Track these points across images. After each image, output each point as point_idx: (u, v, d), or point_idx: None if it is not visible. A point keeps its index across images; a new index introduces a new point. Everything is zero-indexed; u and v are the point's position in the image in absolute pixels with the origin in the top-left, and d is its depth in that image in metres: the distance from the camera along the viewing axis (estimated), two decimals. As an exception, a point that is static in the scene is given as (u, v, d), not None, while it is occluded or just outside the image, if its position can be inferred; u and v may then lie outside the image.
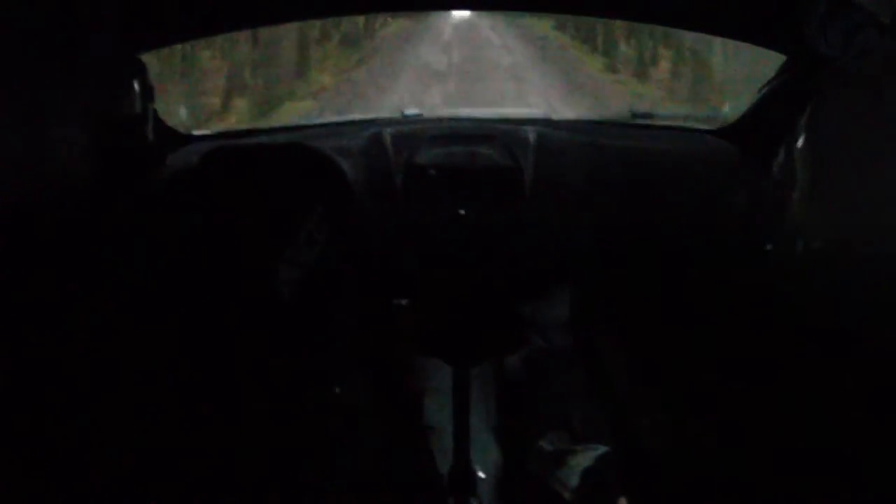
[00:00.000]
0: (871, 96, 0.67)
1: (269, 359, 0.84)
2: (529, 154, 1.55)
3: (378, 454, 0.99)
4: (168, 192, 0.93)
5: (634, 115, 1.92)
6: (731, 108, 1.79)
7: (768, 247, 0.81)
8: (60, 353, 0.76)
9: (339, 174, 1.11)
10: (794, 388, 0.74)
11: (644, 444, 1.02)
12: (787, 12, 1.31)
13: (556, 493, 1.03)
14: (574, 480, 1.01)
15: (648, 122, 1.84)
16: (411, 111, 1.78)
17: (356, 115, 1.93)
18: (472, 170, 1.54)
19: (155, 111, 1.48)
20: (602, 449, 1.04)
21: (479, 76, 8.37)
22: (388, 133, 1.60)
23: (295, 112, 7.28)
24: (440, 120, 1.75)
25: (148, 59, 1.44)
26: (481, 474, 1.09)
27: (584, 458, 1.04)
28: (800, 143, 0.73)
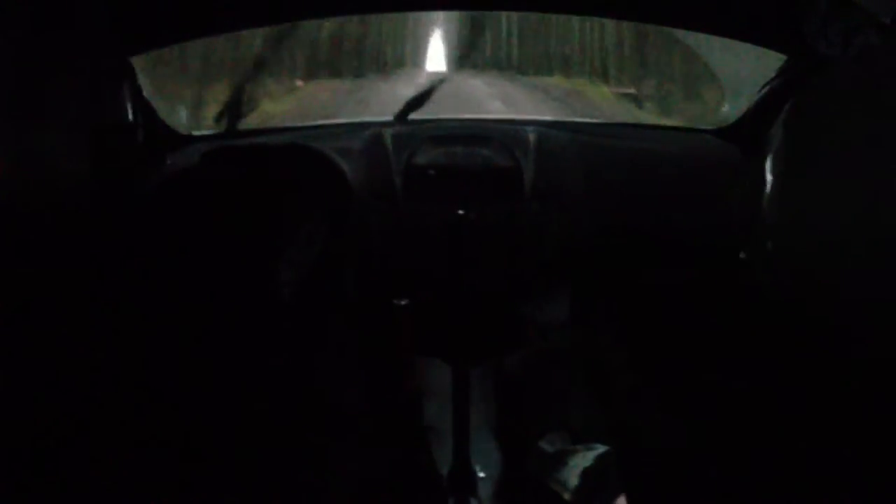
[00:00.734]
0: (871, 96, 0.67)
1: (268, 359, 0.84)
2: (529, 154, 1.55)
3: (378, 454, 0.99)
4: (168, 192, 0.93)
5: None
6: (730, 108, 1.79)
7: (768, 246, 0.81)
8: (61, 353, 0.76)
9: (339, 174, 1.11)
10: (793, 387, 0.74)
11: (644, 444, 1.02)
12: (787, 12, 1.31)
13: (555, 493, 1.03)
14: (574, 481, 1.01)
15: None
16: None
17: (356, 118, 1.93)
18: (472, 170, 1.54)
19: (155, 111, 1.48)
20: (602, 449, 1.04)
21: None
22: (388, 133, 1.60)
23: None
24: (440, 120, 1.75)
25: (148, 59, 1.44)
26: (481, 474, 1.09)
27: (584, 459, 1.04)
28: (799, 142, 0.73)
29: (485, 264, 1.45)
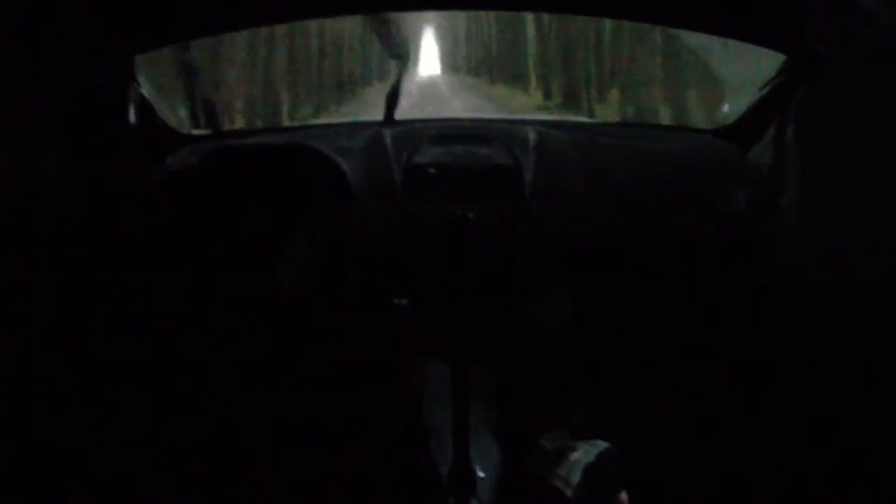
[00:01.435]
0: (871, 95, 0.67)
1: (268, 358, 0.84)
2: (529, 154, 1.55)
3: (378, 454, 0.99)
4: (168, 192, 0.93)
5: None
6: (730, 108, 1.79)
7: (768, 247, 0.81)
8: (60, 352, 0.76)
9: (339, 174, 1.11)
10: (794, 386, 0.74)
11: (645, 441, 1.02)
12: (787, 12, 1.31)
13: (557, 490, 1.03)
14: (576, 477, 1.01)
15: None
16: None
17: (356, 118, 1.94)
18: (472, 170, 1.54)
19: (155, 111, 1.48)
20: (603, 445, 1.04)
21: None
22: (388, 133, 1.60)
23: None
24: (440, 120, 1.75)
25: (147, 58, 1.44)
26: (481, 474, 1.09)
27: (586, 455, 1.04)
28: (799, 142, 0.74)
29: (485, 264, 1.45)
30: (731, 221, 1.35)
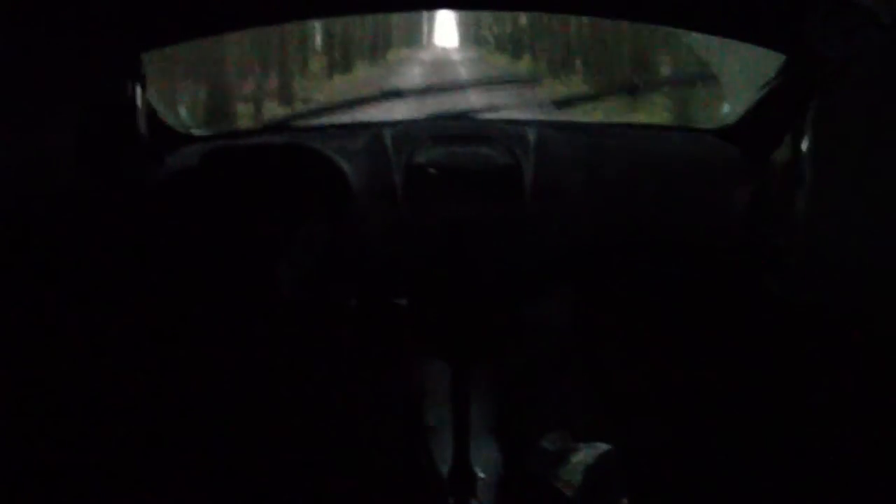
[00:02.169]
0: (872, 96, 0.67)
1: (268, 359, 0.84)
2: (529, 154, 1.55)
3: (378, 454, 0.99)
4: (168, 192, 0.93)
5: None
6: (730, 108, 1.79)
7: (768, 247, 0.81)
8: (60, 353, 0.76)
9: (339, 174, 1.11)
10: (795, 387, 0.74)
11: (645, 442, 1.02)
12: (787, 12, 1.31)
13: (557, 492, 1.03)
14: (576, 478, 1.01)
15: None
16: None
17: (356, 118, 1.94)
18: (472, 170, 1.54)
19: (155, 111, 1.48)
20: (604, 447, 1.04)
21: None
22: (388, 133, 1.60)
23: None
24: (440, 120, 1.75)
25: (148, 58, 1.44)
26: (481, 474, 1.09)
27: (586, 456, 1.04)
28: (799, 142, 0.73)
29: (485, 264, 1.45)
30: (731, 222, 1.35)
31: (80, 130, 0.87)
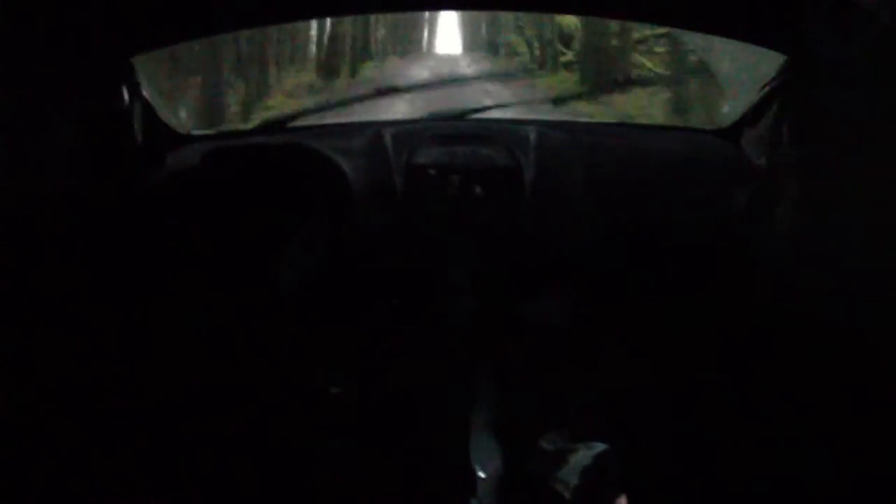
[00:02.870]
0: (871, 96, 0.67)
1: (268, 359, 0.84)
2: (529, 154, 1.55)
3: (378, 454, 0.99)
4: (168, 192, 0.93)
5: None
6: (730, 108, 1.79)
7: (766, 245, 0.81)
8: (60, 353, 0.76)
9: (339, 174, 1.11)
10: (793, 386, 0.74)
11: (644, 442, 1.02)
12: (787, 12, 1.31)
13: (556, 492, 1.03)
14: (574, 479, 1.01)
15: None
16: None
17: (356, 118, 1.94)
18: (472, 170, 1.54)
19: (155, 111, 1.48)
20: (602, 447, 1.04)
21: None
22: (388, 133, 1.60)
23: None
24: (440, 120, 1.76)
25: (147, 59, 1.44)
26: (481, 474, 1.09)
27: (585, 457, 1.04)
28: (798, 142, 0.73)
29: (484, 264, 1.45)
30: (730, 222, 1.35)
31: (75, 133, 0.87)
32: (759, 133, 1.52)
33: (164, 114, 1.56)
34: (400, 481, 1.01)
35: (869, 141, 0.65)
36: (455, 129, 1.65)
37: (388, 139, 1.58)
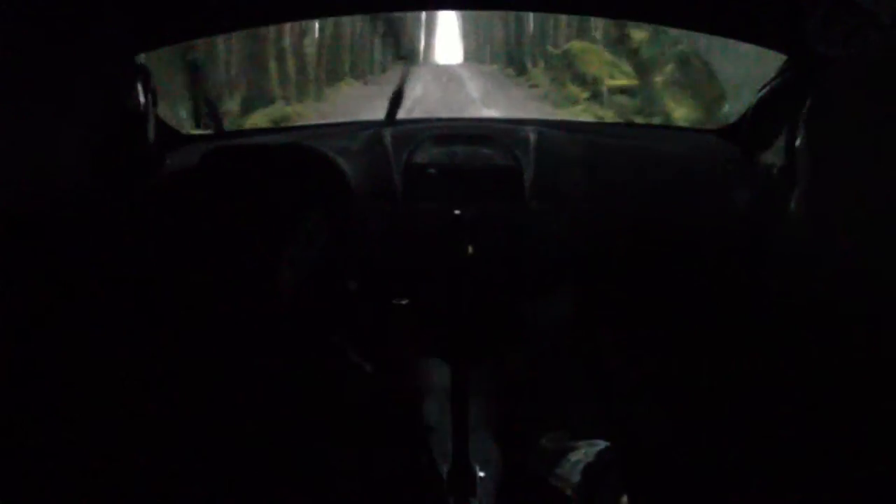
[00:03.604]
0: (872, 96, 0.67)
1: (268, 359, 0.84)
2: (529, 154, 1.55)
3: (378, 454, 0.99)
4: (168, 192, 0.93)
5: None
6: (730, 108, 1.79)
7: (768, 246, 0.81)
8: (60, 353, 0.76)
9: (339, 174, 1.11)
10: (795, 386, 0.74)
11: (645, 441, 1.02)
12: (787, 12, 1.31)
13: (557, 490, 1.03)
14: (576, 477, 1.01)
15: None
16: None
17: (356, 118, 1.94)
18: (472, 170, 1.54)
19: (155, 111, 1.48)
20: (603, 445, 1.04)
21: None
22: (388, 133, 1.60)
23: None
24: (440, 120, 1.76)
25: (148, 58, 1.44)
26: (481, 474, 1.09)
27: (586, 455, 1.04)
28: (799, 142, 0.73)
29: (485, 264, 1.45)
30: (731, 222, 1.35)
31: (89, 133, 0.87)
32: (759, 133, 1.53)
33: (164, 113, 1.56)
34: (400, 481, 1.01)
35: (869, 141, 0.65)
36: (455, 129, 1.65)
37: (388, 139, 1.58)
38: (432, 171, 1.53)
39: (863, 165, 0.66)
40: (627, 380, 1.19)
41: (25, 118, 0.80)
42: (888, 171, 0.64)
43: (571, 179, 1.55)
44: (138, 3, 1.18)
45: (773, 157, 1.23)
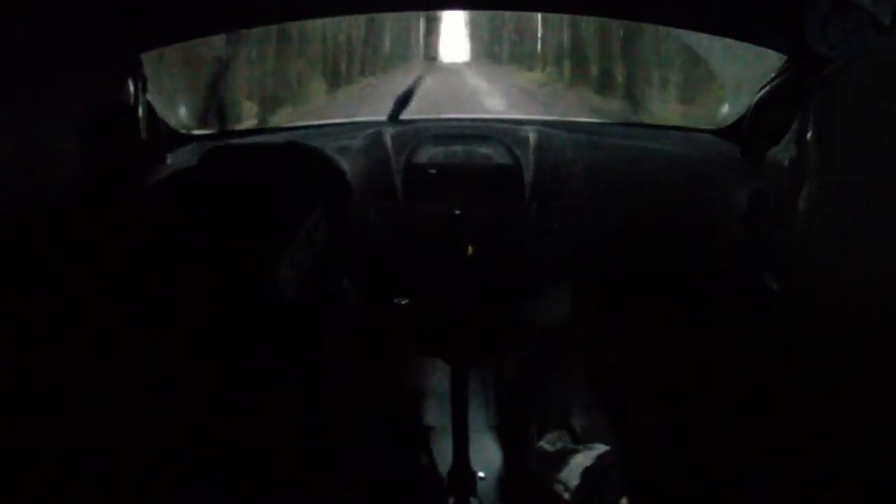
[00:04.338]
0: (872, 96, 0.67)
1: (268, 358, 0.84)
2: (529, 154, 1.55)
3: (378, 454, 0.99)
4: (168, 192, 0.93)
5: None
6: (730, 108, 1.79)
7: (768, 246, 0.81)
8: (60, 351, 0.76)
9: (339, 174, 1.11)
10: (794, 387, 0.74)
11: (644, 443, 1.02)
12: (787, 12, 1.31)
13: (556, 493, 1.03)
14: (574, 480, 1.01)
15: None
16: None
17: (356, 117, 1.93)
18: (472, 169, 1.54)
19: (155, 111, 1.48)
20: (602, 448, 1.04)
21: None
22: (388, 133, 1.60)
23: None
24: (440, 120, 1.76)
25: (147, 58, 1.44)
26: (481, 474, 1.09)
27: (585, 458, 1.04)
28: (800, 143, 0.73)
29: (485, 264, 1.45)
30: (731, 222, 1.35)
31: (79, 129, 0.87)
32: (759, 133, 1.52)
33: (164, 114, 1.56)
34: (400, 481, 1.01)
35: (870, 142, 0.65)
36: (455, 128, 1.65)
37: (388, 139, 1.58)
38: (432, 170, 1.53)
39: (863, 166, 0.66)
40: (627, 381, 1.19)
41: (18, 116, 0.80)
42: (888, 172, 0.64)
43: (571, 179, 1.55)
44: (140, 2, 1.18)
45: (772, 156, 1.23)
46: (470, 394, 1.05)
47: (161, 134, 1.52)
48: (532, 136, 1.58)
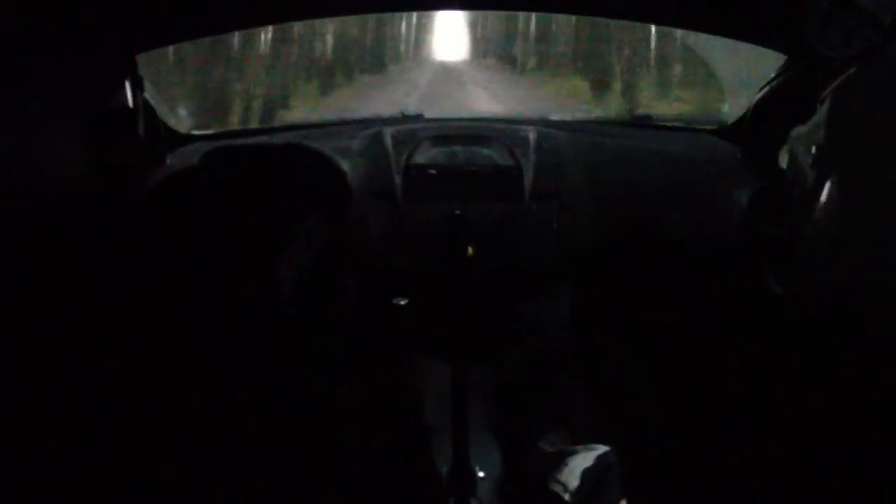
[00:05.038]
0: (872, 96, 0.67)
1: (268, 358, 0.84)
2: (529, 154, 1.55)
3: (378, 454, 0.99)
4: (168, 192, 0.93)
5: (634, 118, 1.94)
6: (730, 108, 1.79)
7: (768, 246, 0.81)
8: (60, 351, 0.76)
9: (339, 174, 1.11)
10: (794, 387, 0.74)
11: (644, 444, 1.02)
12: (787, 12, 1.31)
13: (555, 493, 1.03)
14: (574, 481, 1.01)
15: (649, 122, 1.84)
16: (411, 112, 1.79)
17: (356, 115, 1.93)
18: (472, 170, 1.54)
19: (155, 111, 1.48)
20: (602, 449, 1.04)
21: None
22: (388, 133, 1.60)
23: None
24: (440, 120, 1.75)
25: (147, 58, 1.44)
26: (481, 474, 1.09)
27: (585, 459, 1.04)
28: (800, 142, 0.73)
29: (484, 264, 1.45)
30: (731, 222, 1.35)
31: (79, 130, 0.87)
32: (759, 133, 1.53)
33: (165, 114, 1.56)
34: (400, 481, 1.01)
35: (870, 141, 0.65)
36: (455, 129, 1.65)
37: (388, 139, 1.58)
38: (432, 170, 1.53)
39: (864, 165, 0.66)
40: (627, 381, 1.19)
41: (18, 117, 0.80)
42: (889, 171, 0.64)
43: (571, 179, 1.55)
44: (139, 3, 1.18)
45: (772, 156, 1.23)
46: (470, 394, 1.05)
47: (161, 134, 1.52)
48: (532, 137, 1.58)
